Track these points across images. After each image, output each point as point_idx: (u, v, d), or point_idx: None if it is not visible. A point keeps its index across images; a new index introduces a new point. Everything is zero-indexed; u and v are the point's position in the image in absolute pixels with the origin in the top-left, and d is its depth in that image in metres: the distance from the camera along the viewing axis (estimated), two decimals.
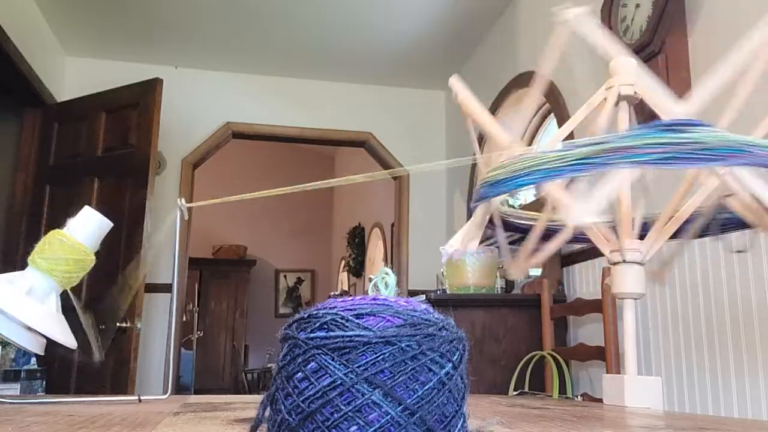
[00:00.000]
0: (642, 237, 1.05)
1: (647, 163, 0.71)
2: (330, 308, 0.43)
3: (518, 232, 1.24)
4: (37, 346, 0.82)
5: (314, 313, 0.43)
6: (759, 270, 1.65)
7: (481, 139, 3.55)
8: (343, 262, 7.23)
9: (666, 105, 0.99)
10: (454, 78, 1.19)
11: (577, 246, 2.53)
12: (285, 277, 8.08)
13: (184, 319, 4.86)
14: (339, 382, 0.39)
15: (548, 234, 1.15)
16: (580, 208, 0.78)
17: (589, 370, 2.45)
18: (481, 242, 2.84)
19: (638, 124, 1.15)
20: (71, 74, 3.94)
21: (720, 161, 0.70)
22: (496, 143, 1.07)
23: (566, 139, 1.36)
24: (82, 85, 3.72)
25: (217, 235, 7.55)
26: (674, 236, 1.08)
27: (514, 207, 2.94)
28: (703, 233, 1.08)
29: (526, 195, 3.07)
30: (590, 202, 0.79)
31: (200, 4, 3.43)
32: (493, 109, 3.41)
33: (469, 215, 1.10)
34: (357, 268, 6.66)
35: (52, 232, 0.86)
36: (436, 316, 0.44)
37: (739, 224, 1.05)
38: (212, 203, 0.96)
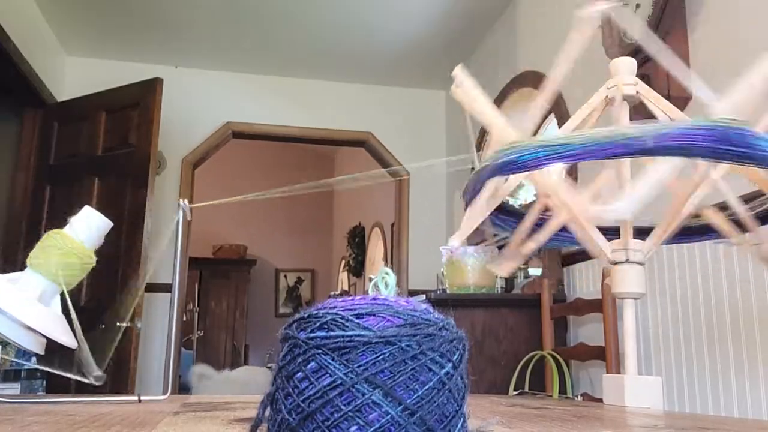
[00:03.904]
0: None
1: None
2: (330, 308, 0.43)
3: (514, 227, 1.23)
4: (37, 346, 0.82)
5: (314, 312, 0.43)
6: (759, 270, 1.65)
7: (482, 139, 3.55)
8: (343, 261, 7.23)
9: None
10: (460, 69, 1.17)
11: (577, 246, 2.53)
12: (285, 276, 8.08)
13: (185, 318, 4.86)
14: (339, 381, 0.39)
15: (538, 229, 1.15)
16: (621, 203, 0.77)
17: (589, 370, 2.45)
18: (481, 242, 2.83)
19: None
20: (71, 74, 3.94)
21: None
22: (498, 135, 1.05)
23: None
24: (82, 85, 3.72)
25: (217, 235, 7.54)
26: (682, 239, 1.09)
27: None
28: (681, 239, 1.09)
29: (527, 195, 3.07)
30: (631, 197, 0.77)
31: (200, 4, 3.43)
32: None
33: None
34: (357, 268, 6.65)
35: (51, 232, 0.86)
36: (436, 316, 0.44)
37: (716, 235, 1.06)
38: (215, 204, 0.96)
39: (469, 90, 1.11)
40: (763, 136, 0.71)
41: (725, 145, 0.71)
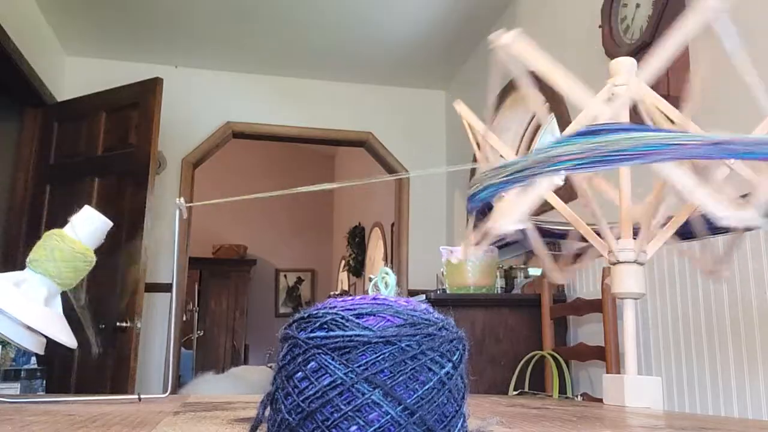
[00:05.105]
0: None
1: (568, 168, 0.75)
2: (330, 308, 0.43)
3: (551, 238, 1.25)
4: (37, 346, 0.82)
5: (314, 312, 0.43)
6: (759, 270, 1.65)
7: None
8: (343, 261, 7.23)
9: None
10: (460, 104, 1.20)
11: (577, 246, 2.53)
12: (285, 276, 8.08)
13: (184, 318, 4.86)
14: (339, 381, 0.39)
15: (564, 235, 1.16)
16: (505, 216, 0.81)
17: (589, 370, 2.45)
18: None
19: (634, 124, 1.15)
20: (71, 74, 3.94)
21: (638, 159, 0.73)
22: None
23: None
24: (82, 85, 3.72)
25: (218, 234, 7.55)
26: (685, 237, 1.09)
27: None
28: (697, 236, 1.09)
29: None
30: (514, 210, 0.82)
31: (200, 4, 3.43)
32: (493, 109, 3.41)
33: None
34: (357, 268, 6.66)
35: (50, 232, 0.86)
36: (436, 315, 0.44)
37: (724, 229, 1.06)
38: (212, 204, 0.96)
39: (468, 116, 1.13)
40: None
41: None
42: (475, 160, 1.16)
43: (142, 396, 0.92)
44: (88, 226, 0.87)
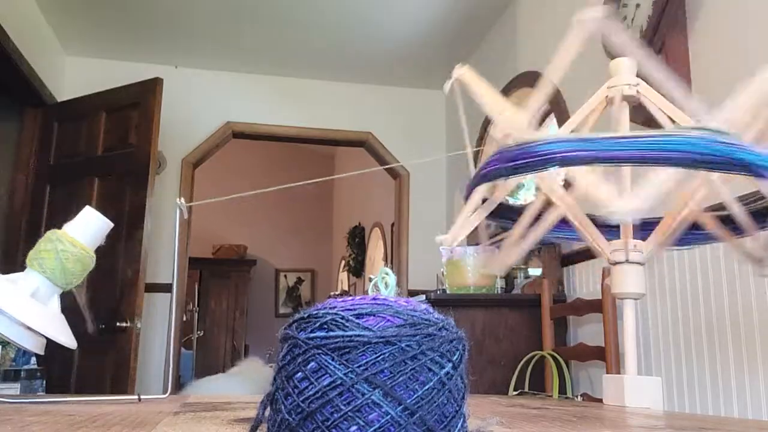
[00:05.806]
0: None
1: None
2: (330, 308, 0.43)
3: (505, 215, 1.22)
4: (37, 346, 0.82)
5: (314, 313, 0.43)
6: None
7: (483, 136, 3.55)
8: (343, 262, 7.23)
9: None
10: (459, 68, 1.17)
11: (577, 246, 2.53)
12: (285, 276, 8.08)
13: (184, 318, 4.86)
14: (339, 381, 0.39)
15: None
16: (624, 203, 0.75)
17: (589, 370, 2.45)
18: (482, 242, 2.80)
19: (638, 125, 1.15)
20: (71, 74, 3.94)
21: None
22: (502, 119, 1.04)
23: None
24: (82, 85, 3.72)
25: (217, 234, 7.54)
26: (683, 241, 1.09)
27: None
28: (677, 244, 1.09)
29: (527, 195, 3.07)
30: (636, 198, 0.76)
31: (200, 4, 3.43)
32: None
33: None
34: (357, 268, 6.65)
35: (51, 232, 0.86)
36: (436, 316, 0.44)
37: (706, 239, 1.07)
38: (212, 201, 0.96)
39: (471, 78, 1.11)
40: (747, 148, 0.72)
41: (710, 157, 0.72)
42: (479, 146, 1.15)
43: (142, 396, 0.92)
44: (88, 226, 0.87)
